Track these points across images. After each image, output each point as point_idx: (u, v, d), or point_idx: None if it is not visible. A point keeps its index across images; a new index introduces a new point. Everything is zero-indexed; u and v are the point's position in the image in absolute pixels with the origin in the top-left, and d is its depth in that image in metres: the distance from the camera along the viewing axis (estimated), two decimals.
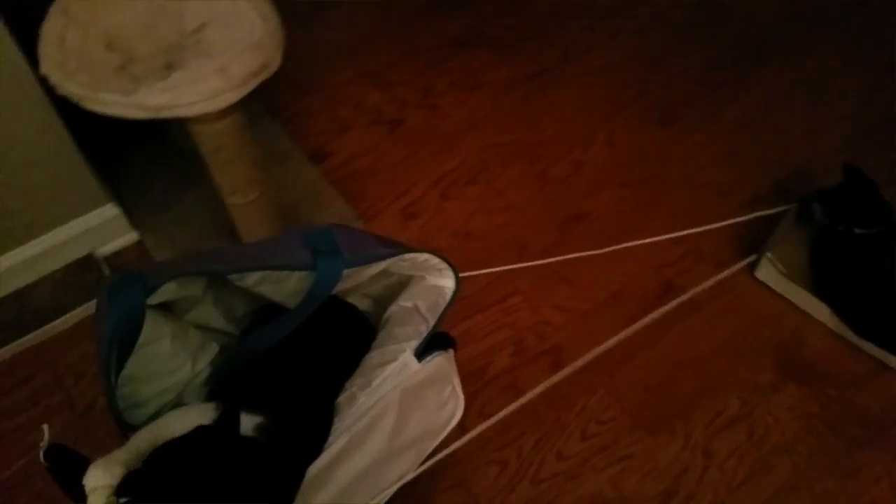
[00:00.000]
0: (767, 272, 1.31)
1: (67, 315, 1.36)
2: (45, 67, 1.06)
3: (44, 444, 0.82)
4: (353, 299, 1.08)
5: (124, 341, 0.84)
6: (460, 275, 0.98)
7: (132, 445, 0.83)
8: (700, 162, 1.53)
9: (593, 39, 1.77)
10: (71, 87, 1.08)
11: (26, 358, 1.32)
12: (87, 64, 1.06)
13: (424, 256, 0.97)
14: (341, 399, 0.96)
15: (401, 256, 0.95)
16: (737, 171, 1.51)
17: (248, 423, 0.85)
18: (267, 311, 1.01)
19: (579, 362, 1.24)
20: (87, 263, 1.42)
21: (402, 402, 0.98)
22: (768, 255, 1.30)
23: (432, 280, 1.01)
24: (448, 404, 1.06)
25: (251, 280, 0.92)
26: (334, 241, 0.92)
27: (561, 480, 1.13)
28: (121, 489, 0.75)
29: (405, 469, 1.01)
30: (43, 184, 1.31)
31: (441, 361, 1.02)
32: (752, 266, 1.34)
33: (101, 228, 1.42)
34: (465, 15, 1.84)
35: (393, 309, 1.04)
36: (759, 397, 1.21)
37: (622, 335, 1.27)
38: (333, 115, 1.65)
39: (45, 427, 0.83)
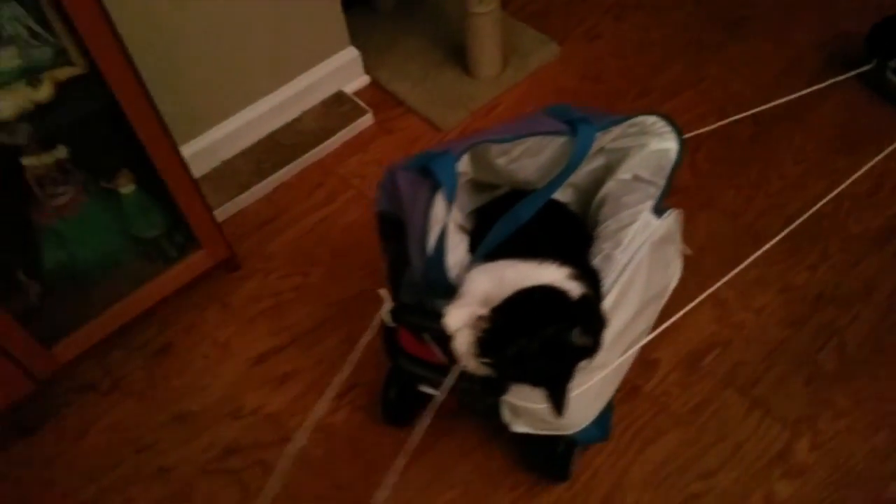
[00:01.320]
0: None
1: (335, 136, 1.62)
2: None
3: (387, 307, 0.88)
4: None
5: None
6: None
7: (471, 292, 0.87)
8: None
9: None
10: None
11: (312, 171, 1.59)
12: None
13: (652, 119, 1.02)
14: (597, 261, 0.98)
15: (631, 121, 1.01)
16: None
17: (560, 274, 0.88)
18: (492, 206, 1.07)
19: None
20: (340, 98, 1.68)
21: (651, 258, 1.00)
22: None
23: (654, 145, 1.04)
24: (672, 263, 1.10)
25: (515, 152, 0.97)
26: (575, 111, 0.97)
27: (788, 191, 1.44)
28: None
29: (648, 324, 1.06)
30: (308, 24, 1.56)
31: (675, 217, 1.05)
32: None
33: (344, 69, 1.68)
34: None
35: (609, 186, 1.06)
36: None
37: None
38: None
39: (383, 292, 0.91)
